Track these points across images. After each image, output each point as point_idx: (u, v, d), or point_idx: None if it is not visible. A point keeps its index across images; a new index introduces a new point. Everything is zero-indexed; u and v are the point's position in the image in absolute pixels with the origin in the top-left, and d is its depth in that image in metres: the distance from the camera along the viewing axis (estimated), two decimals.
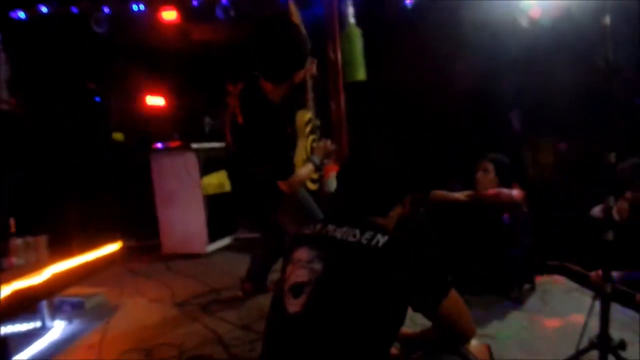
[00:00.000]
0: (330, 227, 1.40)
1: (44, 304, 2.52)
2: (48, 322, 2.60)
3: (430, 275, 1.31)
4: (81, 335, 2.55)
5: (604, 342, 1.73)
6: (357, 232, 1.34)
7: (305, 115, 2.64)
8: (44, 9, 4.39)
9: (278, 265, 3.09)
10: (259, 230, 3.30)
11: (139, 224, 4.30)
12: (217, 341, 2.35)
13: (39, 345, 2.38)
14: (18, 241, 2.37)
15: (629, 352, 1.78)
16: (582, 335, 1.86)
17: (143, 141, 4.39)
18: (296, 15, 2.67)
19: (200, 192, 4.17)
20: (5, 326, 2.42)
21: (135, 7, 4.53)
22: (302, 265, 1.35)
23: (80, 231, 3.12)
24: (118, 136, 4.56)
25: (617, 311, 2.27)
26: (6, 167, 2.88)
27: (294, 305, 1.29)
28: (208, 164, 4.24)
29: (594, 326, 1.82)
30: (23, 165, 3.26)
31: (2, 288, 1.97)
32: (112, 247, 2.88)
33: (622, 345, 1.75)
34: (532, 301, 2.68)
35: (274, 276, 3.06)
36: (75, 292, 2.93)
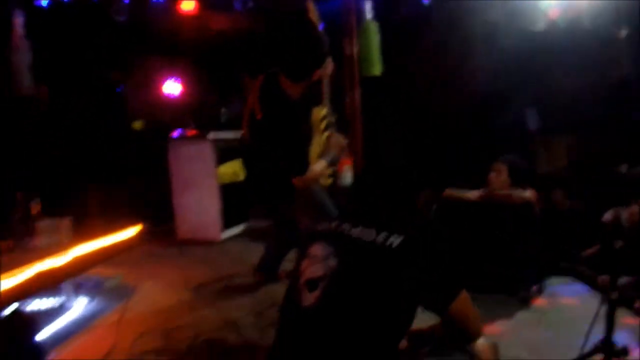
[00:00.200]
0: (346, 226, 1.45)
1: (67, 282, 2.63)
2: (71, 299, 2.71)
3: (443, 276, 1.36)
4: (101, 314, 2.65)
5: (607, 347, 1.78)
6: (373, 232, 1.39)
7: (321, 112, 2.68)
8: None
9: (290, 255, 3.18)
10: (272, 220, 3.37)
11: (156, 208, 4.40)
12: (230, 326, 2.43)
13: (62, 321, 2.49)
14: (44, 223, 2.47)
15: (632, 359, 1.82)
16: (586, 339, 1.90)
17: (161, 129, 4.48)
18: (314, 14, 2.70)
19: (215, 181, 4.26)
20: (30, 302, 2.55)
21: None
22: (318, 261, 1.40)
23: (101, 214, 3.22)
24: (137, 125, 4.65)
25: (625, 316, 2.30)
26: (31, 152, 2.98)
27: (308, 299, 1.35)
28: (223, 153, 4.31)
29: (601, 330, 1.86)
30: (47, 150, 3.37)
31: (28, 268, 2.07)
32: (132, 231, 2.97)
33: (625, 351, 1.79)
34: (540, 302, 2.72)
35: (285, 265, 3.15)
36: (94, 271, 3.03)
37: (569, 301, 2.75)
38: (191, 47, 4.97)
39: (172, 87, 5.18)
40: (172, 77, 5.14)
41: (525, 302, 2.71)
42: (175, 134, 4.33)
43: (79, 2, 4.51)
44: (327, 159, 2.52)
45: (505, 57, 4.45)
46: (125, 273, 3.23)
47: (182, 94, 5.21)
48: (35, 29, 4.24)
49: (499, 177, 3.01)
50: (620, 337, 1.86)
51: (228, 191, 4.34)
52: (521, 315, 2.56)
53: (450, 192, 3.17)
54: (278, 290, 2.91)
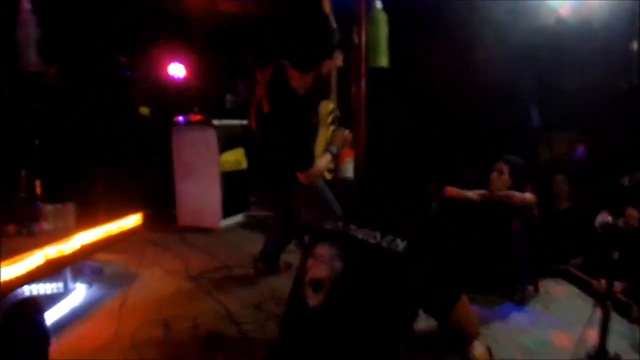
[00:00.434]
0: (352, 227, 1.47)
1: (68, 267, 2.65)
2: (70, 285, 2.74)
3: (445, 281, 1.40)
4: (101, 301, 2.68)
5: (600, 354, 1.81)
6: (378, 234, 1.41)
7: (328, 106, 2.68)
8: None
9: (290, 247, 3.21)
10: (273, 211, 3.39)
11: (157, 193, 4.41)
12: (229, 318, 2.47)
13: (62, 307, 2.52)
14: (48, 207, 2.48)
15: None
16: (578, 344, 1.94)
17: (165, 114, 4.47)
18: (327, 6, 2.68)
19: (217, 168, 4.26)
20: (30, 286, 2.57)
21: None
22: (323, 261, 1.43)
23: (102, 198, 3.23)
24: (144, 110, 4.64)
25: (617, 322, 2.33)
26: (35, 133, 2.97)
27: (313, 299, 1.38)
28: (227, 141, 4.31)
29: (593, 334, 1.89)
30: (51, 131, 3.36)
31: (34, 252, 2.09)
32: (134, 218, 2.99)
33: (617, 358, 1.83)
34: (534, 304, 2.75)
35: (285, 257, 3.17)
36: (93, 257, 3.06)
37: (564, 303, 2.79)
38: (199, 31, 4.94)
39: (177, 70, 5.15)
40: (178, 61, 5.10)
41: (520, 303, 2.75)
42: (180, 119, 4.33)
43: None
44: (332, 153, 2.53)
45: (513, 51, 4.43)
46: (125, 259, 3.26)
47: (188, 78, 5.19)
48: (43, 4, 4.19)
49: (501, 177, 3.02)
50: (613, 342, 1.89)
51: (229, 179, 4.35)
52: (516, 317, 2.59)
53: (451, 190, 3.19)
54: (277, 282, 2.95)
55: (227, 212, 4.36)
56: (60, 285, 2.70)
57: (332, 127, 2.70)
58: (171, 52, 5.05)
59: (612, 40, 3.62)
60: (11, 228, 2.36)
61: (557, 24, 4.32)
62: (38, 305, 1.85)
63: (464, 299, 1.42)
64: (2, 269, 1.90)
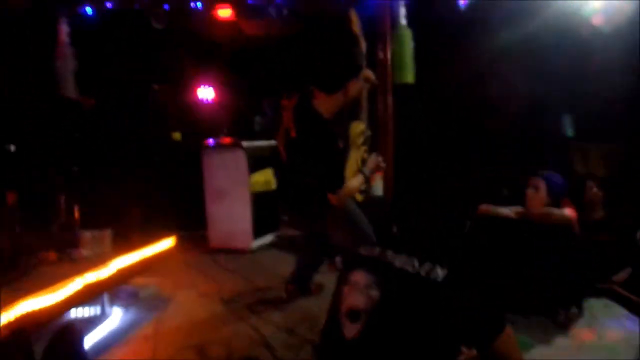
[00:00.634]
0: (389, 254, 1.43)
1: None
2: (107, 309, 2.78)
3: (487, 312, 1.34)
4: (137, 325, 2.72)
5: None
6: (416, 261, 1.37)
7: (358, 127, 2.67)
8: (108, 5, 4.60)
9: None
10: (303, 233, 3.38)
11: (189, 215, 4.48)
12: (263, 343, 2.45)
13: (99, 333, 2.56)
14: (87, 234, 2.55)
15: None
16: None
17: (195, 136, 4.56)
18: (357, 25, 2.68)
19: (247, 189, 4.30)
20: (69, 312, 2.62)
21: (193, 5, 4.68)
22: (359, 290, 1.39)
23: (138, 224, 3.31)
24: (176, 136, 4.76)
25: None
26: (74, 162, 3.08)
27: (350, 330, 1.34)
28: (256, 162, 4.36)
29: None
30: (88, 159, 3.48)
31: (74, 280, 2.14)
32: (167, 242, 3.04)
33: None
34: (580, 327, 2.62)
35: (317, 277, 3.14)
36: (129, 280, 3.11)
37: (610, 325, 2.64)
38: (227, 54, 5.05)
39: (206, 93, 5.26)
40: (207, 84, 5.22)
41: (564, 326, 2.62)
42: (210, 141, 4.40)
43: (121, 9, 4.63)
44: (365, 175, 2.52)
45: (542, 62, 4.35)
46: (159, 282, 3.30)
47: (217, 102, 5.29)
48: (80, 37, 4.39)
49: (537, 193, 2.92)
50: None
51: (259, 200, 4.38)
52: (560, 341, 2.46)
53: (485, 207, 3.11)
54: (309, 305, 2.93)
55: (257, 233, 4.38)
56: (98, 309, 2.75)
57: (363, 148, 2.69)
58: (200, 76, 5.17)
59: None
60: (52, 255, 2.43)
61: (589, 31, 4.22)
62: (79, 331, 1.88)
63: (508, 329, 1.36)
64: (45, 296, 1.95)
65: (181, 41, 4.88)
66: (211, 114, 5.12)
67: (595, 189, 3.48)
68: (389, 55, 4.02)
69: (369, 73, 2.60)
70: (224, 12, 4.75)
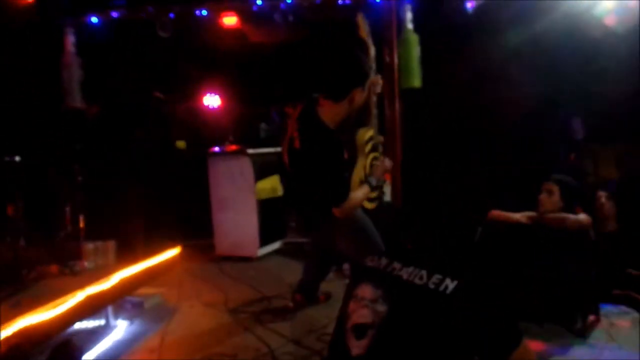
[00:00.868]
0: (396, 265, 1.38)
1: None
2: (112, 321, 2.74)
3: (502, 324, 1.27)
4: (142, 337, 2.66)
5: None
6: (424, 274, 1.31)
7: (366, 134, 2.60)
8: (114, 14, 4.61)
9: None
10: (309, 241, 3.33)
11: (195, 223, 4.45)
12: (270, 355, 2.39)
13: (104, 345, 2.51)
14: (89, 245, 2.51)
15: None
16: None
17: (200, 144, 4.54)
18: (364, 30, 2.62)
19: (254, 197, 4.26)
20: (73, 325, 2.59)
21: (198, 13, 4.67)
22: (366, 305, 1.34)
23: (142, 234, 3.28)
24: (181, 144, 4.75)
25: None
26: (79, 172, 3.05)
27: (357, 348, 1.29)
28: (262, 169, 4.32)
29: None
30: (93, 168, 3.46)
31: (76, 294, 2.10)
32: (172, 252, 2.99)
33: None
34: (597, 335, 2.53)
35: (325, 285, 3.09)
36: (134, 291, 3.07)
37: (630, 334, 2.55)
38: (232, 62, 5.04)
39: (212, 101, 5.25)
40: (212, 91, 5.21)
41: (581, 334, 2.53)
42: (215, 149, 4.37)
43: (126, 18, 4.64)
44: (371, 184, 2.44)
45: (552, 64, 4.28)
46: (164, 292, 3.25)
47: (222, 108, 5.27)
48: (86, 47, 4.40)
49: (551, 198, 2.84)
50: None
51: (266, 207, 4.33)
52: (577, 350, 2.39)
53: (496, 212, 3.03)
54: (316, 315, 2.87)
55: (264, 240, 4.34)
56: (102, 322, 2.71)
57: (371, 155, 2.62)
58: (206, 84, 5.16)
59: None
60: (54, 268, 2.40)
61: (601, 33, 4.14)
62: (79, 346, 1.84)
63: (525, 342, 1.29)
64: (47, 311, 1.91)
65: (187, 49, 4.88)
66: (217, 121, 5.10)
67: (604, 199, 3.38)
68: (395, 60, 3.99)
69: (378, 78, 2.54)
70: (230, 20, 4.74)
